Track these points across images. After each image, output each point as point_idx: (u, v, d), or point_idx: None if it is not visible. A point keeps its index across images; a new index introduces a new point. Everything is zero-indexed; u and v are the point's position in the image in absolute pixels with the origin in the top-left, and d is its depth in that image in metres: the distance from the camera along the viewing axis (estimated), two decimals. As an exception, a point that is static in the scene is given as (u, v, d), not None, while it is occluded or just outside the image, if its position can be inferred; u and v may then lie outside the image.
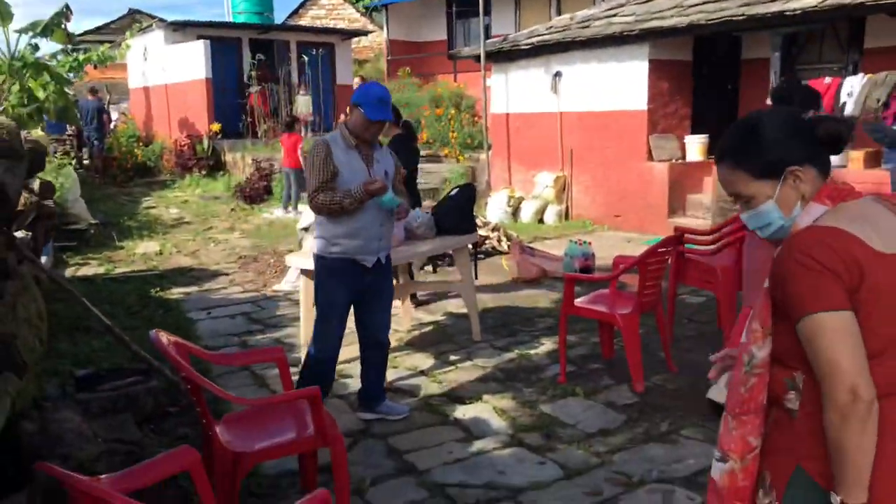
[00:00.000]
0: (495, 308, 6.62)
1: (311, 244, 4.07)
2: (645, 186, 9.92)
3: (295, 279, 7.18)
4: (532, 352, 5.37)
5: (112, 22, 27.58)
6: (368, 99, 3.83)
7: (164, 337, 2.98)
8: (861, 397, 1.45)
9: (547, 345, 5.49)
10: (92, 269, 8.50)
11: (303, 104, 15.52)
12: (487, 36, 14.58)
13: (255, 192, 12.70)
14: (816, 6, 7.59)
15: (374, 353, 4.23)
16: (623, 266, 4.47)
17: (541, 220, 11.00)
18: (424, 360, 5.27)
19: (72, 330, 6.18)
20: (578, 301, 4.80)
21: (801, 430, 1.60)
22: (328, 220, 3.90)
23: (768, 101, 8.69)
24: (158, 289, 7.53)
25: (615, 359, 5.04)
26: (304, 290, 5.13)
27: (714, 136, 10.10)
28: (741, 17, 8.30)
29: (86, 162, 15.55)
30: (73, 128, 16.14)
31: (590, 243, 7.53)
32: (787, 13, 7.83)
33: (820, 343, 1.50)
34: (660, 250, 4.49)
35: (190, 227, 11.02)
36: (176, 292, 7.47)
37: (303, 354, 5.17)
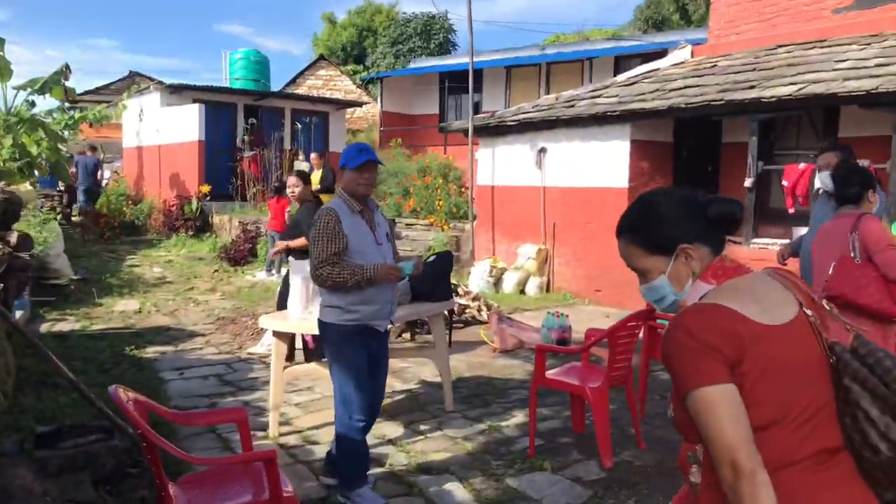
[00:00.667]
0: (470, 378, 6.58)
1: (320, 312, 3.97)
2: (625, 263, 9.95)
3: (269, 342, 7.13)
4: (503, 423, 5.32)
5: (112, 83, 28.03)
6: (349, 155, 3.86)
7: (124, 393, 2.95)
8: (741, 471, 1.45)
9: (519, 417, 5.44)
10: (69, 324, 8.42)
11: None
12: (478, 112, 14.97)
13: (240, 254, 12.70)
14: (791, 95, 7.83)
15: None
16: (594, 339, 4.48)
17: (522, 292, 11.03)
18: (394, 429, 5.20)
19: (39, 385, 6.08)
20: (550, 373, 4.78)
21: (704, 502, 1.59)
22: (339, 288, 3.80)
23: (746, 184, 8.92)
24: (133, 347, 7.46)
25: (586, 433, 4.99)
26: (276, 353, 5.09)
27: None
28: (720, 103, 8.55)
29: (74, 218, 15.56)
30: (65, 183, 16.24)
31: (567, 316, 7.55)
32: (764, 100, 8.07)
33: (702, 418, 1.51)
34: (629, 324, 4.50)
35: (171, 287, 10.97)
36: (151, 351, 7.39)
37: (271, 419, 5.11)
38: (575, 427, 5.08)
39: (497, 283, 11.19)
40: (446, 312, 6.04)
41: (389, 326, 4.10)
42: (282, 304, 6.51)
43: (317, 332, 5.07)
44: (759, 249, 8.61)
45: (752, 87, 8.55)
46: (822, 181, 4.77)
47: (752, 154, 8.77)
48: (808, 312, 1.60)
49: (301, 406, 5.77)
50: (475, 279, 11.16)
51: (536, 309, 9.97)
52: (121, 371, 6.65)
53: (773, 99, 7.97)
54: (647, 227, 1.73)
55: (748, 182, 8.78)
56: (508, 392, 6.13)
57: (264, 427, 5.13)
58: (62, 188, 16.44)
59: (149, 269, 12.39)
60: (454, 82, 19.95)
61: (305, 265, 5.05)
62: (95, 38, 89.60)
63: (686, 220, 1.70)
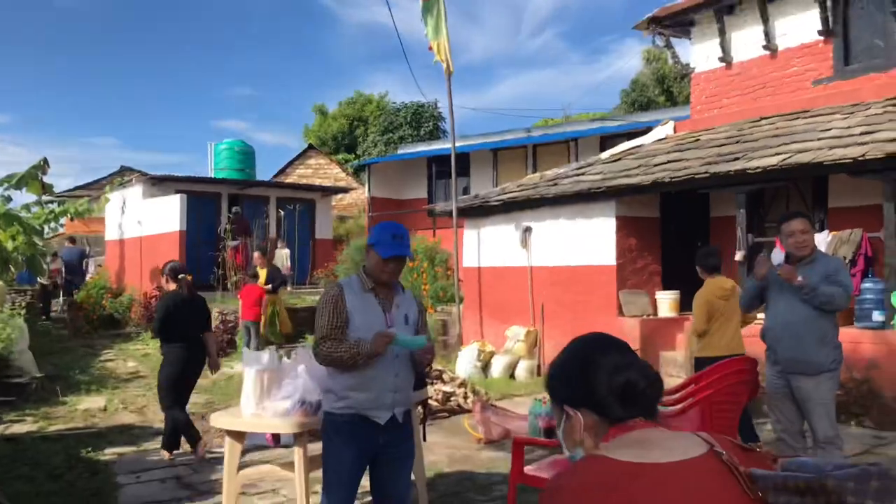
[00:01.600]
0: (451, 473, 6.07)
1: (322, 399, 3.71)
2: (617, 343, 9.55)
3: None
4: (483, 526, 4.80)
5: (103, 178, 28.21)
6: (382, 237, 3.54)
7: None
8: None
9: (500, 518, 4.93)
10: (25, 426, 7.92)
11: (282, 257, 15.45)
12: (466, 194, 14.84)
13: (218, 346, 12.20)
14: (777, 165, 7.62)
15: None
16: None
17: (512, 376, 10.57)
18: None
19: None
20: (530, 468, 4.32)
21: None
22: (336, 370, 3.52)
23: (737, 258, 8.61)
24: (91, 449, 6.97)
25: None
26: (228, 454, 4.63)
27: (685, 293, 9.91)
28: (704, 175, 8.34)
29: (53, 314, 15.19)
30: (49, 278, 15.94)
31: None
32: (749, 171, 7.86)
33: None
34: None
35: (143, 382, 10.48)
36: (109, 453, 6.90)
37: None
38: (562, 528, 4.57)
39: (486, 367, 10.73)
40: (419, 406, 5.57)
41: (401, 416, 3.61)
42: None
43: (276, 429, 4.66)
44: (753, 325, 8.19)
45: (736, 159, 8.37)
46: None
47: (741, 227, 8.51)
48: (721, 451, 1.43)
49: (263, 512, 5.26)
50: (463, 364, 10.70)
51: (527, 394, 9.48)
52: (73, 477, 6.15)
53: (759, 170, 7.76)
54: (551, 376, 1.65)
55: (739, 255, 8.49)
56: (491, 488, 5.63)
57: (216, 539, 4.62)
58: (46, 281, 16.12)
59: (122, 364, 11.93)
60: (442, 166, 19.94)
61: (261, 356, 4.65)
62: (96, 136, 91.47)
63: (576, 383, 1.57)
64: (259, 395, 4.54)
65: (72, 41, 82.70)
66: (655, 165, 9.52)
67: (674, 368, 9.18)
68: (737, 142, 9.22)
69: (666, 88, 36.44)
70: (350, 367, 3.43)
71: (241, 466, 5.26)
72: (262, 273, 11.76)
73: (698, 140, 10.08)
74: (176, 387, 6.69)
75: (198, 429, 7.05)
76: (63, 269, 17.52)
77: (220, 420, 4.62)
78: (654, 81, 36.99)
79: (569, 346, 1.66)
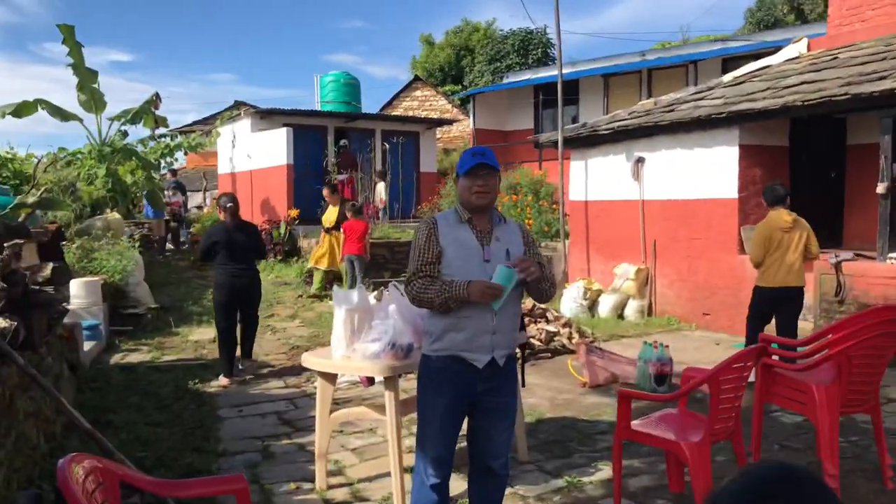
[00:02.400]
0: (553, 419, 5.78)
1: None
2: (737, 282, 8.91)
3: (344, 379, 6.57)
4: (586, 479, 4.50)
5: (219, 113, 28.93)
6: (462, 160, 3.26)
7: (80, 467, 2.37)
8: None
9: (605, 470, 4.60)
10: (140, 355, 8.20)
11: (379, 191, 15.34)
12: (574, 124, 14.11)
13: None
14: (933, 83, 6.64)
15: (482, 484, 3.39)
16: (691, 383, 3.61)
17: (621, 316, 10.10)
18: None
19: (94, 424, 5.73)
20: (638, 423, 3.94)
21: None
22: (431, 309, 3.26)
23: (879, 190, 7.71)
24: (198, 381, 7.10)
25: (686, 493, 4.11)
26: (320, 397, 4.49)
27: (817, 229, 9.05)
28: (843, 97, 7.42)
29: (169, 247, 15.73)
30: (170, 211, 16.53)
31: (667, 347, 6.61)
32: (898, 91, 6.90)
33: None
34: (736, 365, 3.61)
35: (252, 314, 10.68)
36: (215, 385, 7.02)
37: (317, 470, 4.51)
38: (671, 486, 4.21)
39: (592, 306, 10.29)
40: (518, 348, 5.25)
41: (502, 360, 3.25)
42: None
43: (365, 372, 4.48)
44: (897, 265, 7.37)
45: (882, 79, 7.38)
46: None
47: (885, 156, 7.57)
48: None
49: (358, 452, 5.16)
50: (567, 303, 10.31)
51: (636, 336, 9.06)
52: (179, 408, 6.28)
53: (911, 89, 6.79)
54: None
55: (881, 188, 7.58)
56: (595, 438, 5.29)
57: (313, 477, 4.54)
58: (168, 216, 16.73)
59: (233, 296, 12.19)
60: (549, 94, 19.14)
61: (350, 295, 4.44)
62: (216, 73, 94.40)
63: None
64: (349, 336, 4.36)
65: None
66: (785, 88, 8.59)
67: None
68: (883, 58, 8.15)
69: (796, 6, 33.58)
70: (442, 309, 3.14)
71: (340, 404, 5.16)
72: (333, 212, 11.45)
73: (836, 58, 9.02)
74: (225, 308, 7.19)
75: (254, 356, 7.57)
76: (185, 202, 18.13)
77: (310, 361, 4.47)
78: (783, -2, 34.16)
79: (744, 479, 1.21)
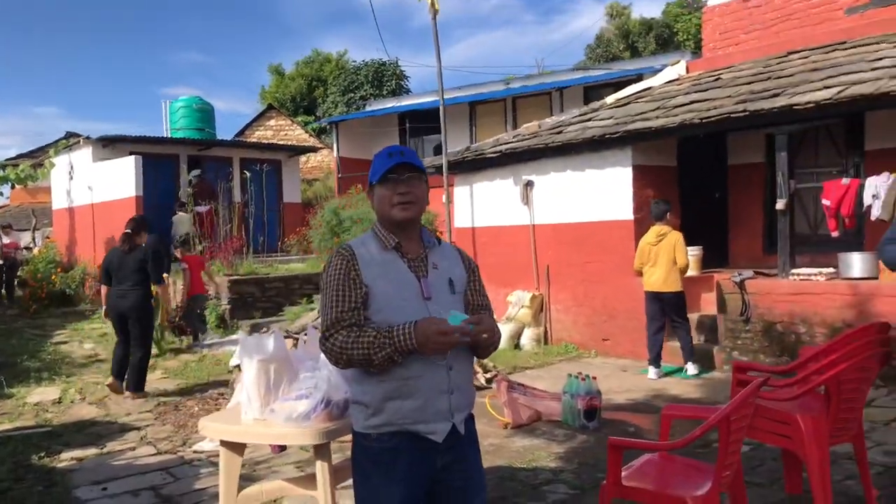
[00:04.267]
0: (487, 471, 4.98)
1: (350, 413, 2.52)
2: (637, 305, 8.61)
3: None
4: (552, 545, 3.79)
5: (49, 145, 26.28)
6: (374, 164, 2.45)
7: None
8: None
9: (571, 531, 3.92)
10: (-37, 426, 6.66)
11: (184, 222, 13.96)
12: (437, 154, 13.65)
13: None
14: (832, 99, 6.64)
15: None
16: (705, 426, 3.01)
17: (517, 346, 9.61)
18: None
19: None
20: (627, 476, 3.29)
21: None
22: (361, 371, 2.39)
23: (778, 206, 7.65)
24: (44, 453, 5.79)
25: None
26: (224, 472, 3.52)
27: (709, 248, 9.01)
28: (742, 114, 7.34)
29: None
30: (2, 255, 14.47)
31: (594, 378, 6.09)
32: (797, 107, 6.87)
33: None
34: (750, 401, 3.06)
35: (103, 367, 9.21)
36: (66, 458, 5.73)
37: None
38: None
39: (487, 337, 9.70)
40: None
41: (463, 425, 2.44)
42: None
43: (290, 440, 3.56)
44: (801, 281, 7.30)
45: (776, 96, 7.37)
46: None
47: (782, 171, 7.55)
48: None
49: (266, 534, 4.17)
50: (462, 335, 9.66)
51: (538, 366, 8.60)
52: (21, 492, 4.99)
53: (811, 104, 6.77)
54: None
55: (780, 204, 7.53)
56: (543, 491, 4.62)
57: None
58: None
59: (78, 346, 10.65)
60: (415, 122, 18.73)
61: (262, 341, 3.52)
62: (38, 106, 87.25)
63: None
64: (264, 394, 3.44)
65: (7, 3, 78.29)
66: (676, 107, 8.50)
67: (703, 332, 8.29)
68: (768, 78, 8.24)
69: (631, 44, 35.54)
70: (380, 369, 2.31)
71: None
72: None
73: (719, 79, 9.08)
74: (117, 326, 7.71)
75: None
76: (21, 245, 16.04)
77: (213, 429, 3.50)
78: (618, 36, 36.07)
79: None
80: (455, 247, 2.68)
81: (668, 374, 7.82)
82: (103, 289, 7.72)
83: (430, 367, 2.33)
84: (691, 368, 7.70)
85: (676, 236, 7.58)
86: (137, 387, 7.60)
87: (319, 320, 2.41)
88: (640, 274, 7.91)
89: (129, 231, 7.69)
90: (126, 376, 7.62)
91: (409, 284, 2.40)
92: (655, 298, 7.72)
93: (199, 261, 10.84)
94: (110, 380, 7.65)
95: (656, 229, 7.64)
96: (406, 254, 2.44)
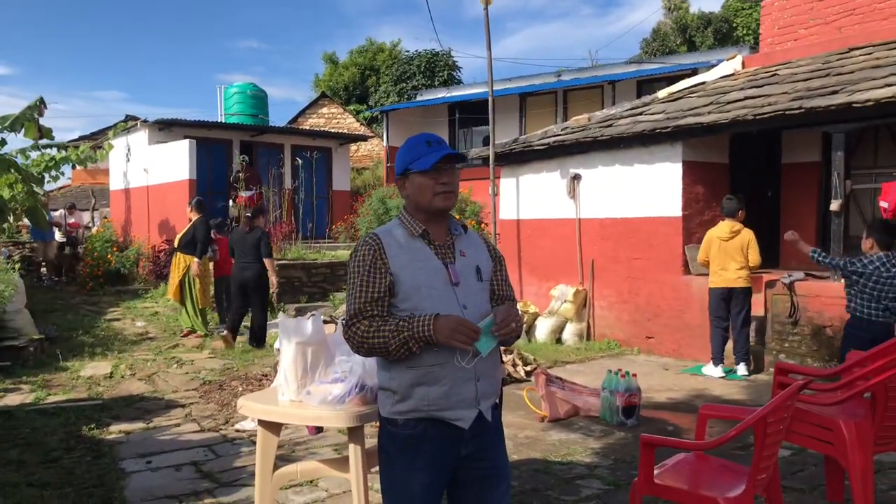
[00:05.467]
0: (520, 462, 5.05)
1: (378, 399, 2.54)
2: (682, 304, 8.54)
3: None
4: (584, 539, 3.78)
5: (109, 127, 26.99)
6: (413, 151, 2.45)
7: None
8: None
9: (603, 527, 3.91)
10: (21, 396, 6.94)
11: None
12: (486, 145, 13.63)
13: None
14: (894, 97, 6.41)
15: None
16: (740, 427, 2.96)
17: (558, 340, 9.56)
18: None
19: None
20: (660, 474, 3.26)
21: None
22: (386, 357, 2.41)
23: (833, 208, 7.45)
24: (94, 425, 5.98)
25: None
26: (261, 452, 3.59)
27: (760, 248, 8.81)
28: (797, 111, 7.15)
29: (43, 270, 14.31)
30: (66, 233, 15.06)
31: (634, 375, 6.04)
32: (857, 105, 6.66)
33: None
34: (788, 403, 3.00)
35: (153, 344, 9.53)
36: (115, 430, 5.90)
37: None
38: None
39: (529, 330, 9.69)
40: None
41: (490, 412, 2.47)
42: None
43: (325, 422, 3.62)
44: (853, 285, 7.10)
45: (834, 93, 7.16)
46: None
47: (838, 172, 7.33)
48: None
49: (301, 512, 4.26)
50: (503, 327, 9.66)
51: (578, 361, 8.54)
52: (71, 462, 5.17)
53: (870, 103, 6.57)
54: None
55: (835, 205, 7.33)
56: (577, 485, 4.59)
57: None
58: (59, 238, 15.19)
59: (130, 324, 10.94)
60: (465, 113, 18.72)
61: (301, 324, 3.59)
62: (102, 90, 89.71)
63: None
64: (301, 376, 3.52)
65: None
66: (730, 103, 8.33)
67: (750, 333, 8.12)
68: (826, 75, 8.01)
69: (688, 38, 34.83)
70: (401, 357, 2.32)
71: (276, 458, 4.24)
72: (187, 225, 10.08)
73: (775, 74, 8.86)
74: (238, 293, 9.22)
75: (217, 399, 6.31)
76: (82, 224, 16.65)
77: (251, 408, 3.58)
78: (675, 31, 35.38)
79: None
80: (481, 235, 2.69)
81: (726, 374, 7.72)
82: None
83: (454, 354, 2.34)
84: (741, 369, 7.59)
85: (749, 234, 7.60)
86: (260, 343, 9.06)
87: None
88: (704, 265, 7.92)
89: (249, 215, 9.27)
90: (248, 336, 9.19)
91: (436, 271, 2.41)
92: (723, 295, 7.67)
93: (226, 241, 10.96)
94: (225, 333, 9.16)
95: (729, 224, 7.62)
96: (433, 241, 2.46)
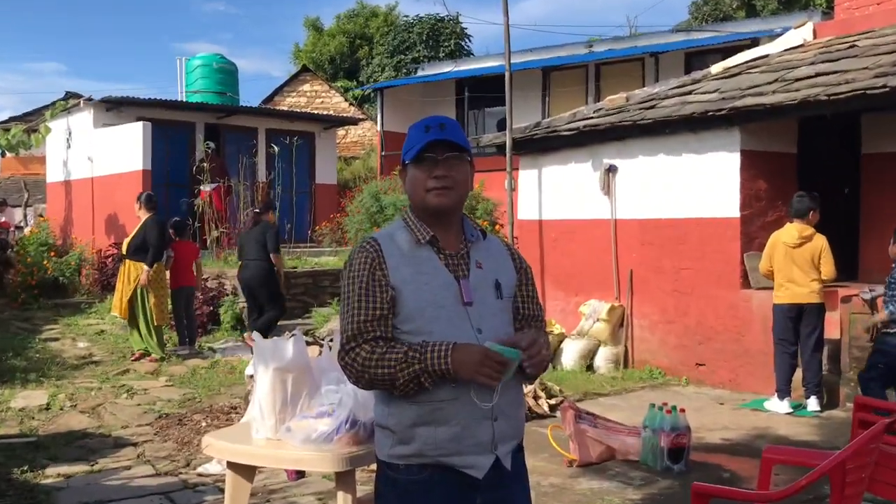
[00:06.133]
0: (547, 517, 5.06)
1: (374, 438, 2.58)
2: (740, 324, 8.56)
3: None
4: None
5: (45, 107, 27.12)
6: (411, 137, 2.47)
7: None
8: None
9: None
10: (-63, 431, 6.98)
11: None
12: (500, 130, 13.71)
13: (198, 322, 11.30)
14: None
15: None
16: (811, 475, 2.96)
17: (590, 367, 9.61)
18: None
19: None
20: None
21: None
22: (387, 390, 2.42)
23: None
24: (27, 467, 6.04)
25: None
26: (231, 496, 3.61)
27: (835, 256, 8.83)
28: (881, 90, 7.16)
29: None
30: None
31: (682, 410, 6.04)
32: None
33: None
34: (871, 446, 3.00)
35: (98, 370, 9.60)
36: (52, 473, 5.99)
37: None
38: None
39: (553, 355, 9.70)
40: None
41: (509, 458, 2.48)
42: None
43: (308, 466, 3.63)
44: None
45: (928, 67, 7.19)
46: None
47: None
48: None
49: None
50: (523, 350, 9.69)
51: (614, 393, 8.61)
52: (0, 512, 5.20)
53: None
54: None
55: None
56: (614, 544, 4.60)
57: None
58: None
59: (71, 345, 11.05)
60: (476, 92, 18.80)
61: (279, 346, 3.61)
62: (37, 62, 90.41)
63: None
64: (280, 409, 3.54)
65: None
66: (798, 80, 8.37)
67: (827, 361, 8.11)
68: (917, 47, 8.03)
69: (747, 1, 34.97)
70: (409, 392, 2.33)
71: None
72: (137, 226, 10.14)
73: (854, 46, 8.90)
74: (246, 294, 10.91)
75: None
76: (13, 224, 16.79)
77: (218, 447, 3.61)
78: (731, -9, 35.49)
79: None
80: (503, 241, 2.70)
81: (794, 409, 7.71)
82: None
83: (467, 388, 2.33)
84: (812, 403, 7.61)
85: (822, 241, 7.62)
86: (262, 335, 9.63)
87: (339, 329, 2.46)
88: (768, 277, 7.91)
89: (257, 210, 10.76)
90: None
91: (446, 287, 2.41)
92: (791, 313, 7.64)
93: (192, 248, 11.03)
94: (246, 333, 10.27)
95: (798, 228, 7.61)
96: (443, 249, 2.46)
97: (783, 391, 7.68)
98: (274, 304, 10.23)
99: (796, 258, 7.58)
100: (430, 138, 2.41)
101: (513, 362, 2.27)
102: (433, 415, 2.34)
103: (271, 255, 10.04)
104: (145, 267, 9.59)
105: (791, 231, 7.67)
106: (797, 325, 7.64)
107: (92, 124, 15.71)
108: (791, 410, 7.61)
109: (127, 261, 9.86)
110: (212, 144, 15.44)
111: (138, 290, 9.71)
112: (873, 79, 7.43)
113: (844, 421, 7.04)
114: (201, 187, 14.60)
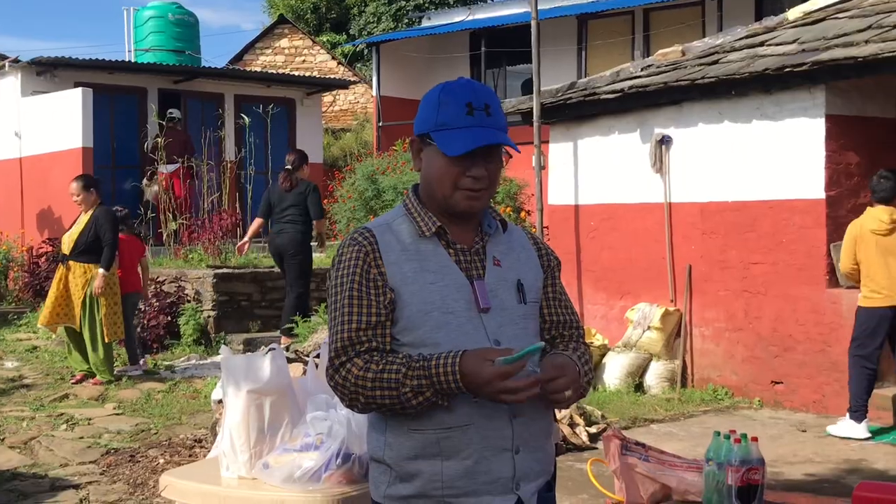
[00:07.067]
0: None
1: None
2: (827, 331, 8.60)
3: None
4: None
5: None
6: (445, 110, 2.41)
7: None
8: None
9: None
10: None
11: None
12: (526, 93, 13.77)
13: (152, 335, 11.39)
14: None
15: None
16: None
17: (638, 386, 9.67)
18: None
19: None
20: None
21: None
22: (384, 413, 2.46)
23: None
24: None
25: None
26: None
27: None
28: None
29: None
30: None
31: (754, 439, 6.05)
32: None
33: None
34: None
35: (31, 395, 9.75)
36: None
37: None
38: None
39: (594, 373, 9.77)
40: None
41: (534, 499, 2.51)
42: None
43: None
44: None
45: None
46: None
47: None
48: None
49: None
50: (556, 367, 9.77)
51: (670, 419, 8.69)
52: None
53: None
54: None
55: None
56: None
57: None
58: None
59: (-5, 365, 11.15)
60: (494, 46, 18.87)
61: (254, 364, 3.66)
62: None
63: None
64: (256, 441, 3.60)
65: None
66: (896, 26, 8.39)
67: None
68: None
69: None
70: (412, 413, 2.36)
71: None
72: (84, 219, 10.08)
73: (970, -18, 8.92)
74: (277, 263, 11.70)
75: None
76: None
77: (180, 489, 3.66)
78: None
79: None
80: (528, 232, 2.72)
81: (873, 434, 7.77)
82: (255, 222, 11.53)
83: (482, 411, 2.36)
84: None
85: None
86: (287, 331, 10.53)
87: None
88: (851, 276, 7.95)
89: (289, 167, 11.07)
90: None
91: (457, 289, 2.43)
92: (885, 316, 7.67)
93: (137, 245, 11.05)
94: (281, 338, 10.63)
95: (888, 212, 7.66)
96: (454, 242, 2.48)
97: (859, 412, 7.68)
98: (303, 280, 11.02)
99: (890, 248, 7.60)
100: (479, 136, 2.36)
101: (532, 356, 2.27)
102: (440, 445, 2.38)
103: (315, 223, 10.90)
104: (101, 271, 9.61)
105: (879, 215, 7.72)
106: (890, 331, 7.68)
107: (20, 92, 15.88)
108: (870, 435, 7.64)
109: (71, 262, 9.89)
110: (177, 113, 15.53)
111: (87, 300, 9.75)
112: None
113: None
114: (159, 168, 14.70)
